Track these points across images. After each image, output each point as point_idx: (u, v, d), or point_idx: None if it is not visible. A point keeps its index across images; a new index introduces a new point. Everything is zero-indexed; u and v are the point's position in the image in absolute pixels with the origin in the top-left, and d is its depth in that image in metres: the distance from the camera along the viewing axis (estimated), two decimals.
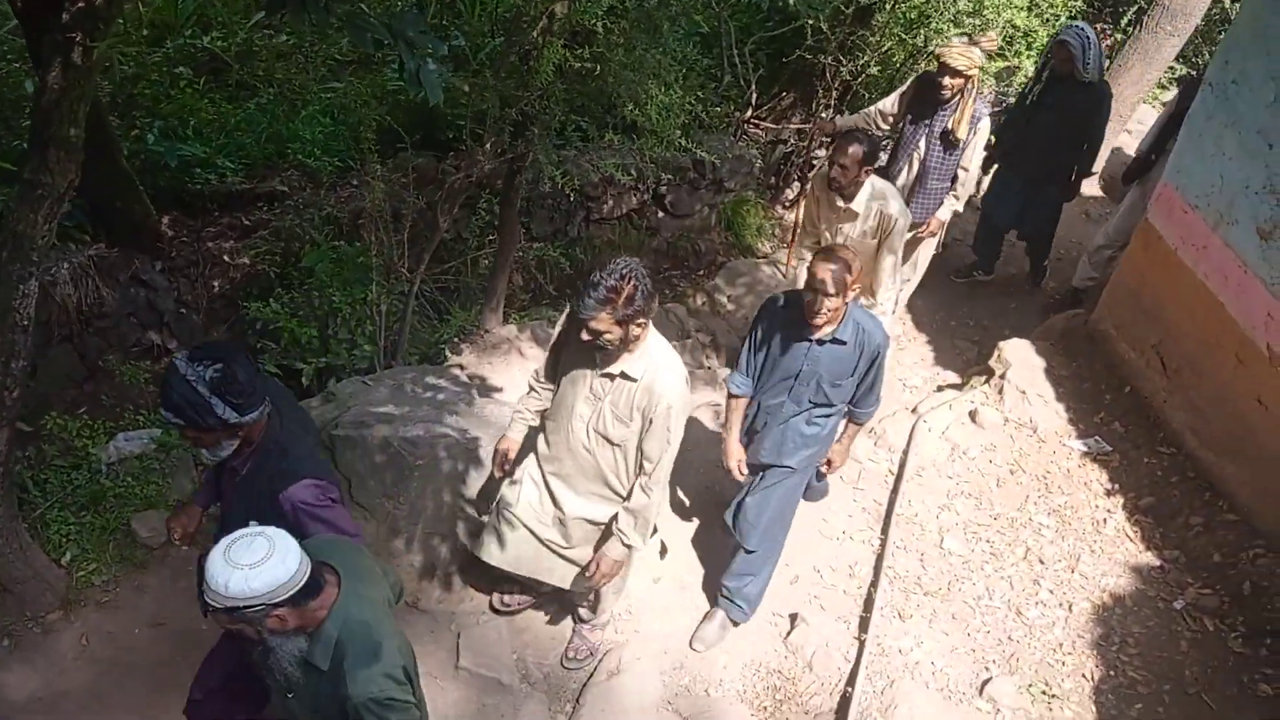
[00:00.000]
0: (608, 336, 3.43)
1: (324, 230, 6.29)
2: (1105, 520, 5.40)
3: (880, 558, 5.25)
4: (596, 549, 4.00)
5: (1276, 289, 4.87)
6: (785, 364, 4.25)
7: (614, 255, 8.12)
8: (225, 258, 6.15)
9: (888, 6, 7.59)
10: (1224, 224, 5.18)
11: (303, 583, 2.48)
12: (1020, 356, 6.21)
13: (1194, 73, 6.60)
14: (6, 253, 3.37)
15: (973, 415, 5.97)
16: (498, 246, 5.94)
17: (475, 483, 4.52)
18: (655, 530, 4.20)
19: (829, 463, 4.70)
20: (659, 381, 3.58)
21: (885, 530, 5.42)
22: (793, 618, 4.94)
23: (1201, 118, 5.35)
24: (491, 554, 4.11)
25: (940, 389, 6.60)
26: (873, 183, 5.18)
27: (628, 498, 3.84)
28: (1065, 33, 6.31)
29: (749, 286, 7.42)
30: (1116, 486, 5.54)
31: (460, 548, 4.53)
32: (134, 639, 4.31)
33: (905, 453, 5.80)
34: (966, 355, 7.08)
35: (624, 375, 3.60)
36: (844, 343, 4.13)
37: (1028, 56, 8.96)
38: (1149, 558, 5.20)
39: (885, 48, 7.92)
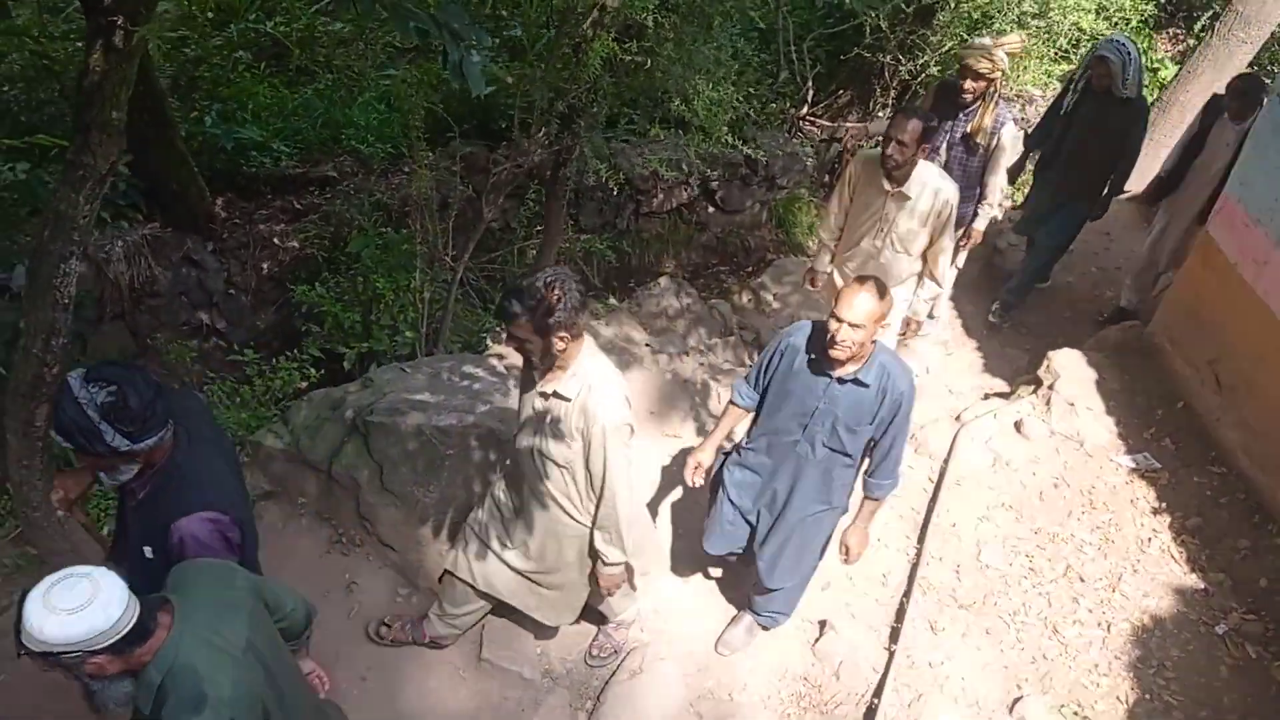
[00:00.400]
0: (529, 346, 3.34)
1: (373, 216, 6.34)
2: (1150, 539, 5.26)
3: (915, 567, 5.17)
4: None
5: None
6: (802, 398, 3.92)
7: (663, 249, 8.20)
8: (275, 240, 6.23)
9: (950, 6, 7.46)
10: None
11: (125, 630, 2.31)
12: (1071, 367, 6.07)
13: (1219, 95, 6.31)
14: (49, 231, 3.41)
15: (1018, 425, 5.85)
16: (543, 237, 5.95)
17: None
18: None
19: (845, 550, 4.24)
20: (592, 401, 3.42)
21: (921, 539, 5.33)
22: (822, 624, 4.88)
23: (1268, 130, 5.18)
24: (459, 566, 4.05)
25: (987, 396, 6.48)
26: (923, 165, 4.94)
27: (594, 519, 3.72)
28: (1105, 47, 6.06)
29: (795, 285, 7.34)
30: (1163, 505, 5.40)
31: None
32: None
33: (946, 461, 5.70)
34: (1017, 363, 6.95)
35: (557, 395, 3.48)
36: (866, 385, 3.80)
37: None
38: (1193, 580, 5.06)
39: (946, 48, 7.79)
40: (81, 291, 5.31)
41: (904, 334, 5.51)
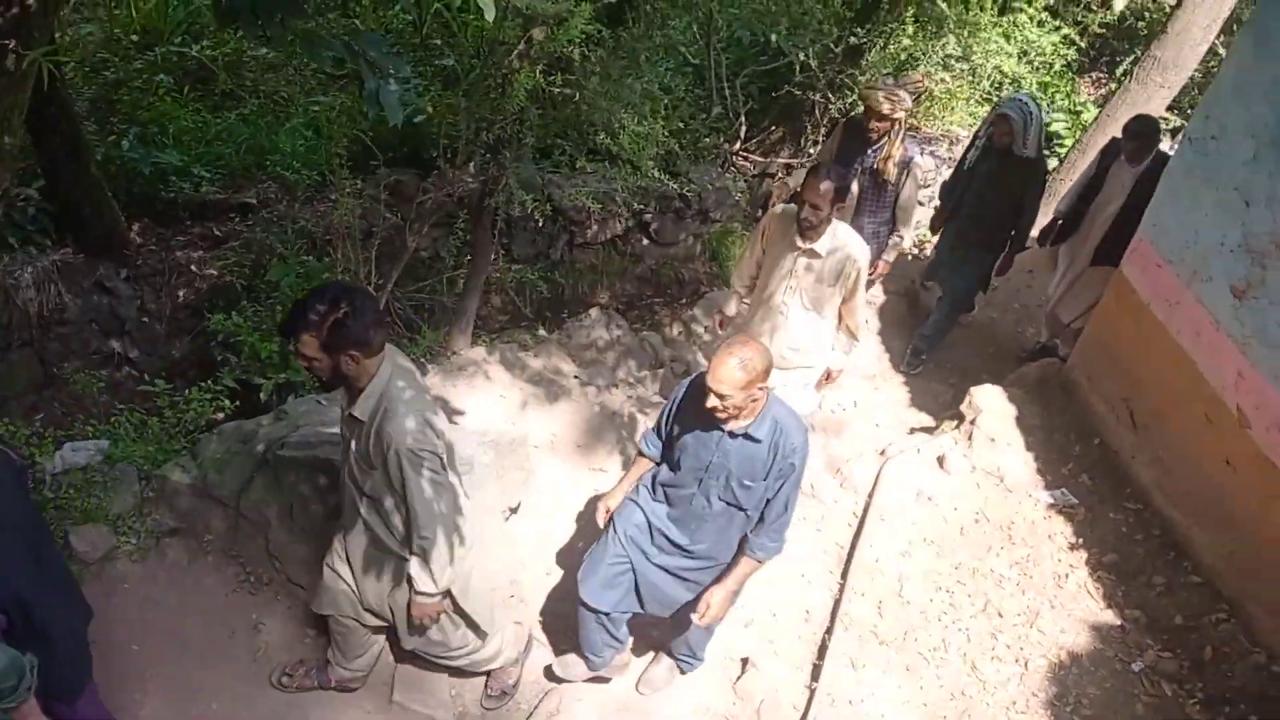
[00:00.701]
0: (316, 365, 3.23)
1: (297, 244, 6.23)
2: (1067, 575, 5.31)
3: (838, 603, 5.16)
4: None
5: (1248, 349, 4.80)
6: (697, 452, 3.84)
7: (596, 281, 8.17)
8: (193, 267, 6.09)
9: (878, 46, 7.57)
10: (1198, 281, 5.13)
11: None
12: (992, 403, 6.13)
13: (1117, 137, 6.35)
14: None
15: (940, 460, 5.89)
16: (470, 267, 5.88)
17: None
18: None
19: (706, 607, 4.00)
20: (387, 424, 3.27)
21: (845, 574, 5.33)
22: (744, 662, 4.85)
23: (1180, 173, 5.30)
24: (323, 604, 3.95)
25: (912, 431, 6.53)
26: (836, 225, 4.86)
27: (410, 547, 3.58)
28: (1007, 105, 6.11)
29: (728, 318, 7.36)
30: (1081, 541, 5.45)
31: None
32: None
33: (870, 495, 5.72)
34: (942, 398, 7.02)
35: (352, 418, 3.38)
36: (757, 440, 3.70)
37: None
38: (1109, 616, 5.11)
39: None
40: None
41: (824, 383, 5.47)
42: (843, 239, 4.85)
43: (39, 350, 5.65)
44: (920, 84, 5.68)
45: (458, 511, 3.52)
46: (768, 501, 3.82)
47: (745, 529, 3.94)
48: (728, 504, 3.86)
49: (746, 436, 3.70)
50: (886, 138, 5.85)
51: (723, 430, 3.72)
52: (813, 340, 5.15)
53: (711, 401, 3.53)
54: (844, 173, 4.75)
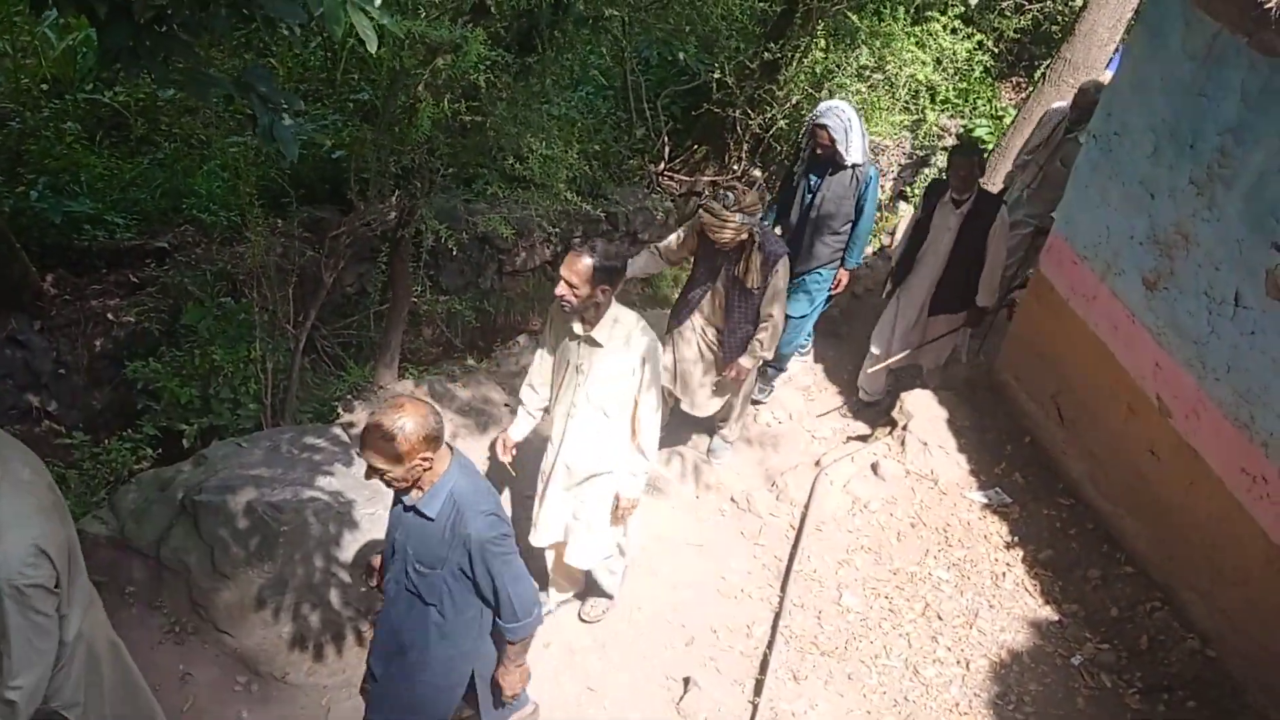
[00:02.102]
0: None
1: (216, 286, 6.14)
2: (1004, 574, 5.33)
3: (778, 616, 5.14)
4: None
5: (1163, 338, 4.87)
6: (393, 523, 3.43)
7: (528, 307, 8.13)
8: (110, 316, 5.97)
9: (793, 61, 7.64)
10: (1111, 274, 5.20)
11: None
12: (923, 407, 6.17)
13: (941, 176, 6.27)
14: None
15: (874, 467, 5.91)
16: (391, 300, 5.83)
17: (350, 546, 4.36)
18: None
19: (501, 689, 3.63)
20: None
21: (783, 587, 5.31)
22: (686, 681, 4.79)
23: (1087, 169, 5.39)
24: None
25: (849, 440, 6.54)
26: (619, 311, 4.16)
27: None
28: (824, 114, 5.82)
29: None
30: (1016, 539, 5.49)
31: (333, 616, 4.35)
32: None
33: (806, 507, 5.71)
34: (880, 405, 7.04)
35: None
36: (429, 519, 3.23)
37: (931, 109, 9.07)
38: (1048, 612, 5.14)
39: (793, 101, 7.97)
40: None
41: (619, 515, 4.59)
42: (628, 328, 4.16)
43: None
44: (757, 206, 5.09)
45: None
46: (477, 591, 3.35)
47: (441, 628, 3.44)
48: (408, 591, 3.39)
49: (417, 511, 3.26)
50: (741, 247, 5.18)
51: (402, 501, 3.35)
52: (598, 452, 4.37)
53: (372, 476, 3.19)
54: (613, 251, 3.99)
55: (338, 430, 5.00)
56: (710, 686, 4.75)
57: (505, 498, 5.25)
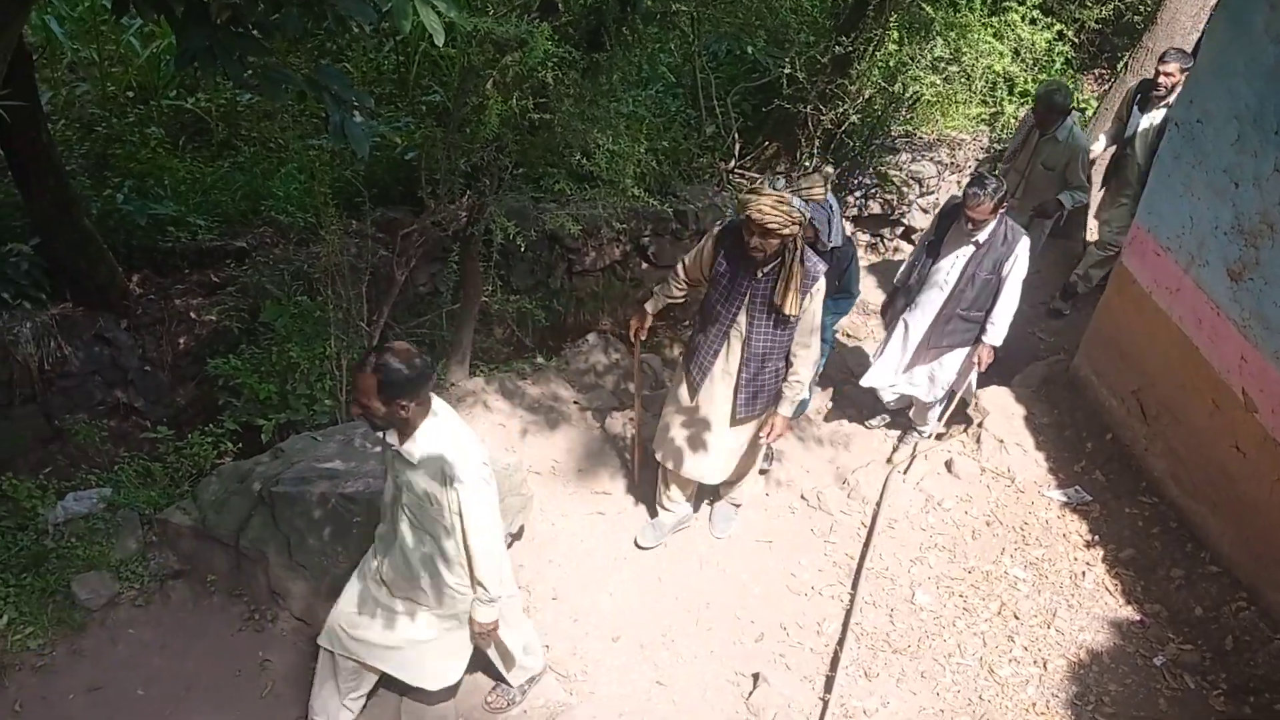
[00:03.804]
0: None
1: (293, 285, 6.26)
2: (1084, 573, 5.21)
3: (849, 614, 5.09)
4: None
5: (1249, 331, 4.73)
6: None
7: (597, 307, 8.16)
8: (192, 314, 6.13)
9: (866, 54, 7.55)
10: (1195, 265, 5.06)
11: None
12: (999, 404, 6.07)
13: (956, 196, 5.65)
14: None
15: (948, 465, 5.81)
16: (462, 299, 5.90)
17: None
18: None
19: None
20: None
21: (855, 585, 5.25)
22: (755, 677, 4.77)
23: (1169, 158, 5.25)
24: None
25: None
26: (439, 420, 3.44)
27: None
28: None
29: None
30: (1096, 538, 5.36)
31: None
32: (68, 705, 4.19)
33: (878, 504, 5.64)
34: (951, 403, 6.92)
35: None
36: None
37: (1009, 101, 8.89)
38: (1129, 612, 5.01)
39: (866, 95, 7.87)
40: None
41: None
42: (439, 443, 3.42)
43: (43, 405, 5.69)
44: (820, 190, 4.37)
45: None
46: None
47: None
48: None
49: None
50: (779, 260, 4.32)
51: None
52: (411, 579, 3.73)
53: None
54: (404, 361, 3.24)
55: None
56: (780, 683, 4.72)
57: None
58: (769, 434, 4.67)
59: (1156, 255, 5.36)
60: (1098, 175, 7.33)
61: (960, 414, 6.06)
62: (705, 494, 5.48)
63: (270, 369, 5.67)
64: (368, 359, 3.31)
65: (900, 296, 5.77)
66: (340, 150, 6.10)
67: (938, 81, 7.68)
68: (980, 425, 5.97)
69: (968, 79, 8.18)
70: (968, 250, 5.34)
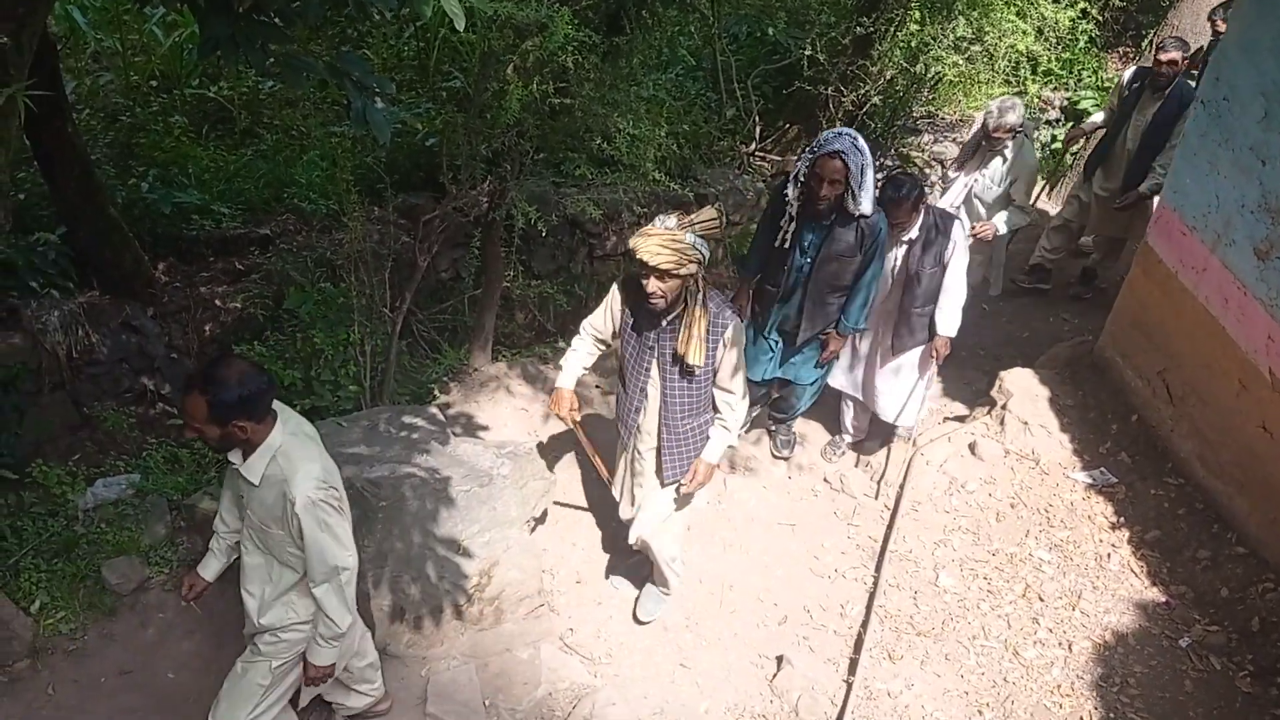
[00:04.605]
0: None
1: (317, 272, 6.31)
2: (1109, 555, 5.18)
3: (872, 596, 5.09)
4: None
5: (1276, 310, 4.67)
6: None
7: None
8: (217, 302, 6.18)
9: (887, 35, 7.51)
10: (1222, 245, 5.00)
11: None
12: (1023, 386, 6.03)
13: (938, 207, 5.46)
14: None
15: (972, 447, 5.79)
16: (484, 284, 5.92)
17: (446, 522, 4.44)
18: None
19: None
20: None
21: (878, 567, 5.25)
22: (779, 660, 4.78)
23: (1195, 136, 5.19)
24: None
25: (945, 420, 6.43)
26: (282, 441, 3.25)
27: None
28: (834, 142, 4.65)
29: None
30: (1122, 520, 5.33)
31: (430, 590, 4.45)
32: (100, 687, 4.27)
33: (901, 487, 5.63)
34: (976, 386, 6.88)
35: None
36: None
37: (1032, 81, 8.82)
38: (1154, 594, 4.99)
39: (887, 77, 7.83)
40: (16, 365, 5.28)
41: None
42: (284, 464, 3.23)
43: (72, 392, 5.76)
44: (715, 223, 3.88)
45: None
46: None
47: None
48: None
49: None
50: (683, 307, 3.98)
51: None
52: (262, 602, 3.55)
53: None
54: (239, 376, 3.05)
55: (434, 410, 5.10)
56: (804, 665, 4.74)
57: None
58: (690, 479, 4.31)
59: (1182, 235, 5.31)
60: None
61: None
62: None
63: (295, 355, 5.72)
64: (193, 380, 3.06)
65: None
66: (362, 137, 6.12)
67: (960, 61, 7.64)
68: (1004, 407, 5.94)
69: (990, 59, 8.11)
70: (900, 250, 5.18)
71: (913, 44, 7.78)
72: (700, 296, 3.94)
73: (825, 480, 5.83)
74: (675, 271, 3.77)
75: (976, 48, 7.65)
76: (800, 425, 6.05)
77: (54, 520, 4.76)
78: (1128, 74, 6.96)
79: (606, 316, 4.29)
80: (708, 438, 4.30)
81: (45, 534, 4.68)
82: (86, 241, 5.65)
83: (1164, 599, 4.95)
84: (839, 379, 5.73)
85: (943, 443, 5.86)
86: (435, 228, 5.25)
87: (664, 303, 3.91)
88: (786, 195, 4.89)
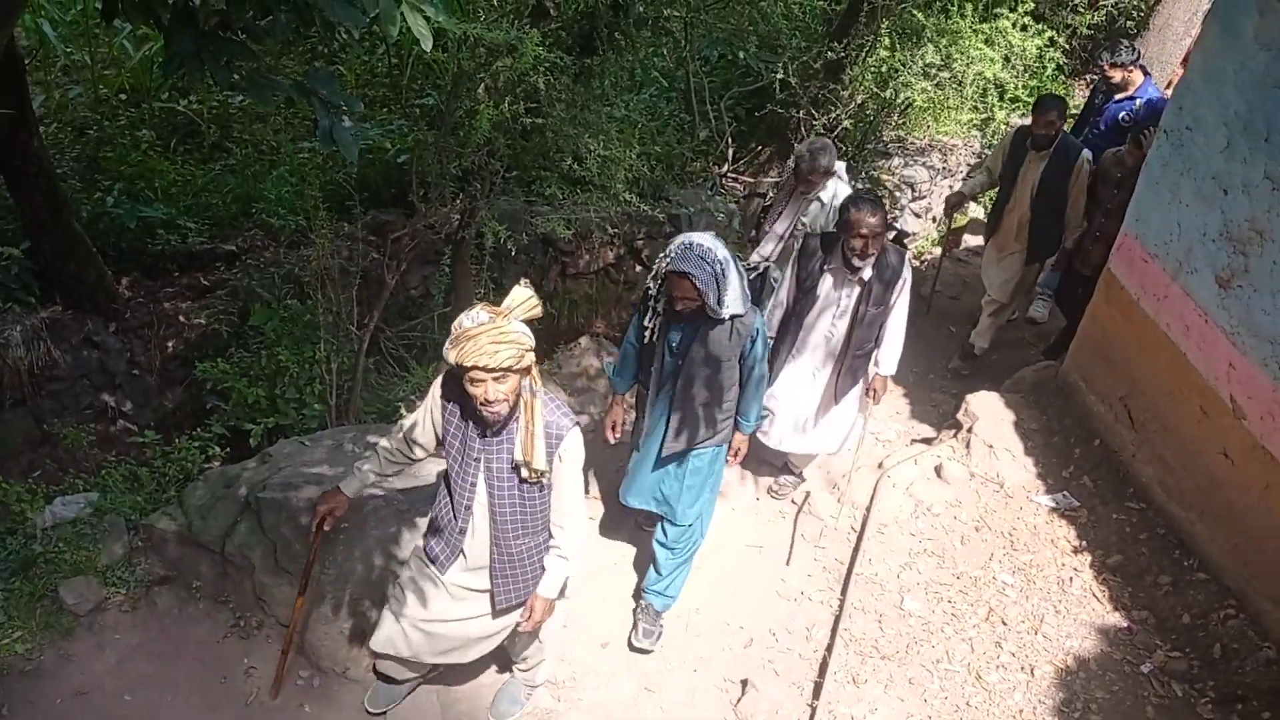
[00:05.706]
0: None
1: (283, 289, 6.27)
2: (1071, 579, 5.21)
3: (837, 619, 5.09)
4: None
5: (1237, 338, 4.73)
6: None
7: (591, 310, 8.17)
8: (181, 318, 6.14)
9: (858, 61, 7.57)
10: (1183, 273, 5.06)
11: None
12: (988, 409, 6.06)
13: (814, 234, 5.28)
14: None
15: (938, 470, 5.82)
16: (454, 301, 5.91)
17: (408, 544, 4.41)
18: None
19: None
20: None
21: (844, 591, 5.25)
22: (744, 683, 4.77)
23: (1158, 165, 5.26)
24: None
25: (912, 442, 6.46)
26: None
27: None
28: (683, 259, 4.09)
29: None
30: (1084, 544, 5.36)
31: None
32: (56, 709, 4.19)
33: (868, 509, 5.65)
34: (943, 408, 6.93)
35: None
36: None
37: (999, 107, 8.91)
38: (1116, 619, 5.01)
39: (858, 101, 7.90)
40: None
41: None
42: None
43: (32, 408, 5.69)
44: (535, 306, 3.30)
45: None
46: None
47: None
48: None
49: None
50: (514, 409, 3.44)
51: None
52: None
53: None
54: None
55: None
56: (768, 689, 4.72)
57: None
58: (526, 618, 3.83)
59: (1144, 262, 5.37)
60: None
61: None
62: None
63: (259, 373, 5.68)
64: None
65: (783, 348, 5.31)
66: (332, 154, 6.12)
67: (929, 87, 7.72)
68: (969, 430, 5.97)
69: (959, 85, 8.20)
70: (853, 291, 4.97)
71: (883, 70, 7.86)
72: (535, 398, 3.45)
73: (793, 502, 5.84)
74: (516, 366, 3.23)
75: (945, 74, 7.73)
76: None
77: (12, 538, 4.68)
78: (1010, 129, 6.79)
79: (427, 425, 3.69)
80: (543, 568, 3.80)
81: (3, 552, 4.60)
82: (50, 256, 5.60)
83: (1125, 624, 4.98)
84: (791, 442, 5.52)
85: (909, 465, 5.88)
86: (405, 245, 5.24)
87: (506, 407, 3.35)
88: (649, 289, 4.42)
